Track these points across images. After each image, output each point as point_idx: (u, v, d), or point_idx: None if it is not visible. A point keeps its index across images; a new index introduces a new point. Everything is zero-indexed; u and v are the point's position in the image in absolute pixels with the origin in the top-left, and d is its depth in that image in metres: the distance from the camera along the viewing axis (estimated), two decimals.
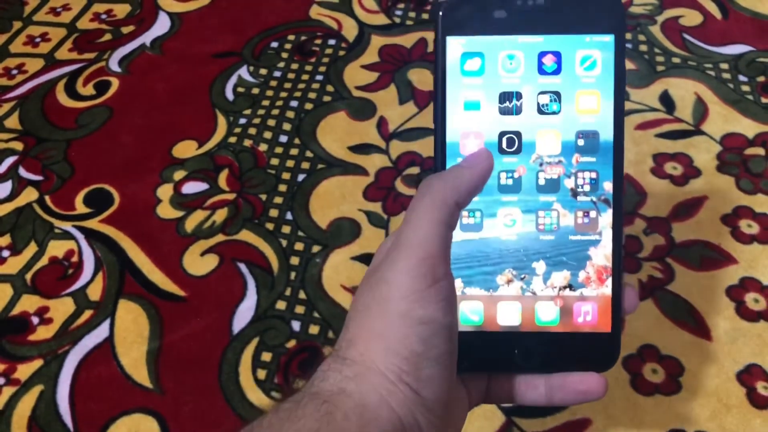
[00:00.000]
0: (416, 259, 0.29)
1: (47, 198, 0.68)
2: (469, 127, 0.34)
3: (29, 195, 0.68)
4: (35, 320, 0.59)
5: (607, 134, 0.34)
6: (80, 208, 0.67)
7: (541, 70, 0.34)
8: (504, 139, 0.34)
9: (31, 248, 0.64)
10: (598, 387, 0.34)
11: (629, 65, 0.75)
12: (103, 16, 0.87)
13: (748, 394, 0.52)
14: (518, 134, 0.34)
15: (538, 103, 0.34)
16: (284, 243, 0.63)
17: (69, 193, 0.68)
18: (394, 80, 0.76)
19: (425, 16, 0.83)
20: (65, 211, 0.67)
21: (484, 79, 0.34)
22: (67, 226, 0.65)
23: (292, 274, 0.61)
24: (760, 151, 0.67)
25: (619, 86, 0.34)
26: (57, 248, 0.64)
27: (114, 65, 0.80)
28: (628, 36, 0.79)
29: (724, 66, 0.75)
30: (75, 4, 0.88)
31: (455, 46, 0.34)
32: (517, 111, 0.34)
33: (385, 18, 0.84)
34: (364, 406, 0.28)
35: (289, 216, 0.65)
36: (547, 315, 0.34)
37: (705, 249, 0.60)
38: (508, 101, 0.34)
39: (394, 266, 0.30)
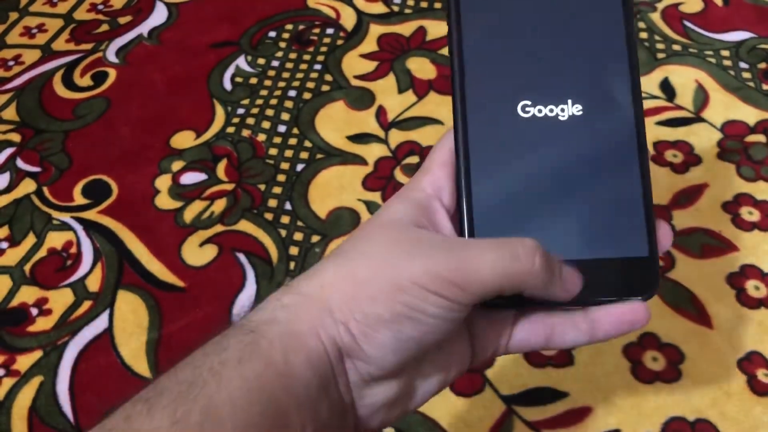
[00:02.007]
0: (452, 271, 0.27)
1: (45, 189, 0.67)
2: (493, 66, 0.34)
3: (27, 186, 0.68)
4: (34, 311, 0.59)
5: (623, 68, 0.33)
6: (78, 199, 0.67)
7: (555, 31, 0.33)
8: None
9: (30, 240, 0.64)
10: (644, 314, 0.31)
11: None
12: (100, 7, 0.86)
13: (748, 381, 0.52)
14: None
15: None
16: (283, 233, 0.63)
17: (67, 185, 0.68)
18: (393, 69, 0.76)
19: (424, 4, 0.83)
20: (63, 202, 0.66)
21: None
22: (66, 217, 0.65)
23: (292, 264, 0.60)
24: (761, 138, 0.66)
25: (629, 22, 0.33)
26: (55, 239, 0.64)
27: (111, 56, 0.80)
28: None
29: (725, 53, 0.74)
30: None
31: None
32: None
33: (384, 6, 0.83)
34: (291, 332, 0.27)
35: (288, 206, 0.64)
36: None
37: (705, 236, 0.60)
38: None
39: (419, 256, 0.27)
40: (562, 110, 0.32)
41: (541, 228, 0.31)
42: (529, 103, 0.32)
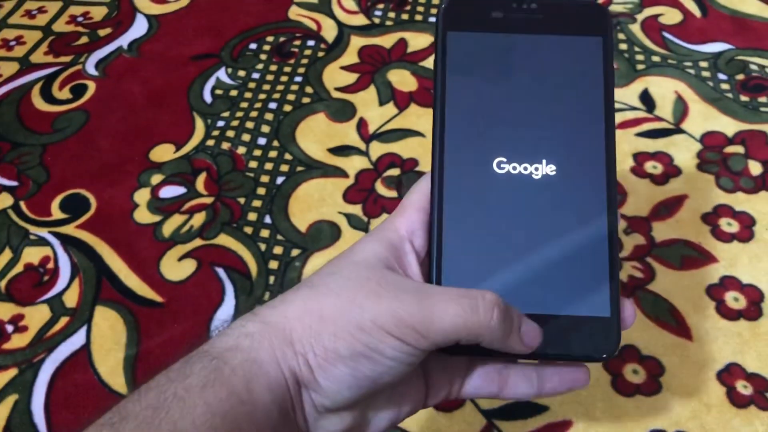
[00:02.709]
0: (421, 324, 0.28)
1: (22, 204, 0.67)
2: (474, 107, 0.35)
3: (4, 201, 0.67)
4: (9, 328, 0.58)
5: (599, 127, 0.35)
6: (56, 213, 0.66)
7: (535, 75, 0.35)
8: None
9: (6, 255, 0.63)
10: (585, 375, 0.33)
11: None
12: (80, 19, 0.86)
13: (727, 393, 0.52)
14: None
15: None
16: (263, 247, 0.62)
17: (45, 199, 0.67)
18: (374, 81, 0.76)
19: (405, 16, 0.83)
20: (41, 216, 0.66)
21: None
22: (43, 232, 0.64)
23: (271, 279, 0.60)
24: (740, 149, 0.67)
25: (608, 86, 0.35)
26: (32, 255, 0.63)
27: (91, 68, 0.79)
28: None
29: (704, 64, 0.75)
30: (51, 7, 0.87)
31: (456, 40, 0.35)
32: None
33: (365, 18, 0.83)
34: (253, 360, 0.27)
35: (267, 219, 0.64)
36: None
37: (685, 248, 0.60)
38: None
39: (388, 300, 0.28)
40: (536, 169, 0.33)
41: (507, 281, 0.32)
42: (504, 160, 0.34)
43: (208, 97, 0.75)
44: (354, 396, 0.28)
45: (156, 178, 0.68)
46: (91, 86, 0.77)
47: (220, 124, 0.72)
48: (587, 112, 0.34)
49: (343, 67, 0.78)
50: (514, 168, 0.33)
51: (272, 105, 0.74)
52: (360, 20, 0.83)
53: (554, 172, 0.33)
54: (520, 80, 0.35)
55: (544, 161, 0.34)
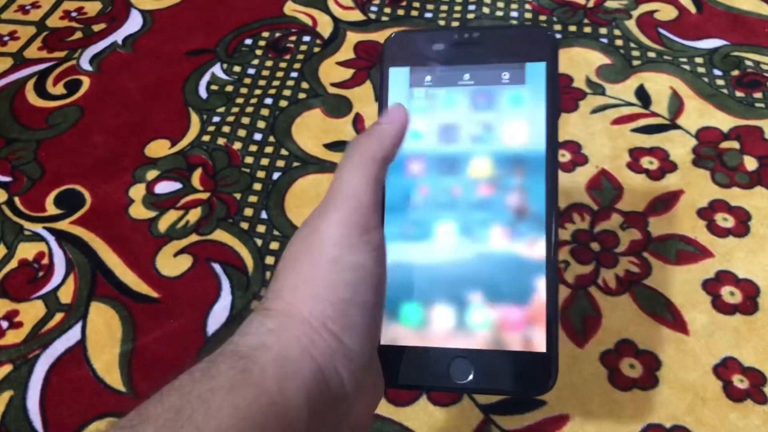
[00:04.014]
0: (348, 209, 0.30)
1: (17, 199, 0.66)
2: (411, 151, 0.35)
3: None
4: (4, 324, 0.58)
5: (539, 159, 0.33)
6: (51, 209, 0.65)
7: (476, 107, 0.34)
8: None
9: (0, 251, 0.62)
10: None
11: (605, 60, 0.75)
12: (74, 14, 0.85)
13: (724, 387, 0.52)
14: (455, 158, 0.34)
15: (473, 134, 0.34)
16: (259, 242, 0.62)
17: (39, 195, 0.67)
18: (370, 77, 0.76)
19: (400, 12, 0.83)
20: (35, 212, 0.65)
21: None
22: (38, 227, 0.64)
23: (268, 274, 0.60)
24: (735, 144, 0.67)
25: (552, 109, 0.34)
26: (27, 250, 0.62)
27: (85, 64, 0.79)
28: (604, 31, 0.79)
29: (699, 60, 0.75)
30: (44, 2, 0.87)
31: (399, 75, 0.35)
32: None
33: (361, 14, 0.83)
34: (285, 357, 0.27)
35: (264, 215, 0.64)
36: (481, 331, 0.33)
37: (681, 243, 0.60)
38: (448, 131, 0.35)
39: (327, 217, 0.30)
40: (472, 188, 0.33)
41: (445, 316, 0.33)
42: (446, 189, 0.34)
43: (203, 93, 0.75)
44: (374, 332, 0.30)
45: (151, 174, 0.67)
46: (86, 81, 0.77)
47: (216, 119, 0.72)
48: (529, 136, 0.33)
49: (339, 63, 0.77)
50: (451, 190, 0.33)
51: (268, 101, 0.74)
52: (356, 16, 0.83)
53: (491, 194, 0.33)
54: (462, 110, 0.34)
55: (480, 181, 0.33)
